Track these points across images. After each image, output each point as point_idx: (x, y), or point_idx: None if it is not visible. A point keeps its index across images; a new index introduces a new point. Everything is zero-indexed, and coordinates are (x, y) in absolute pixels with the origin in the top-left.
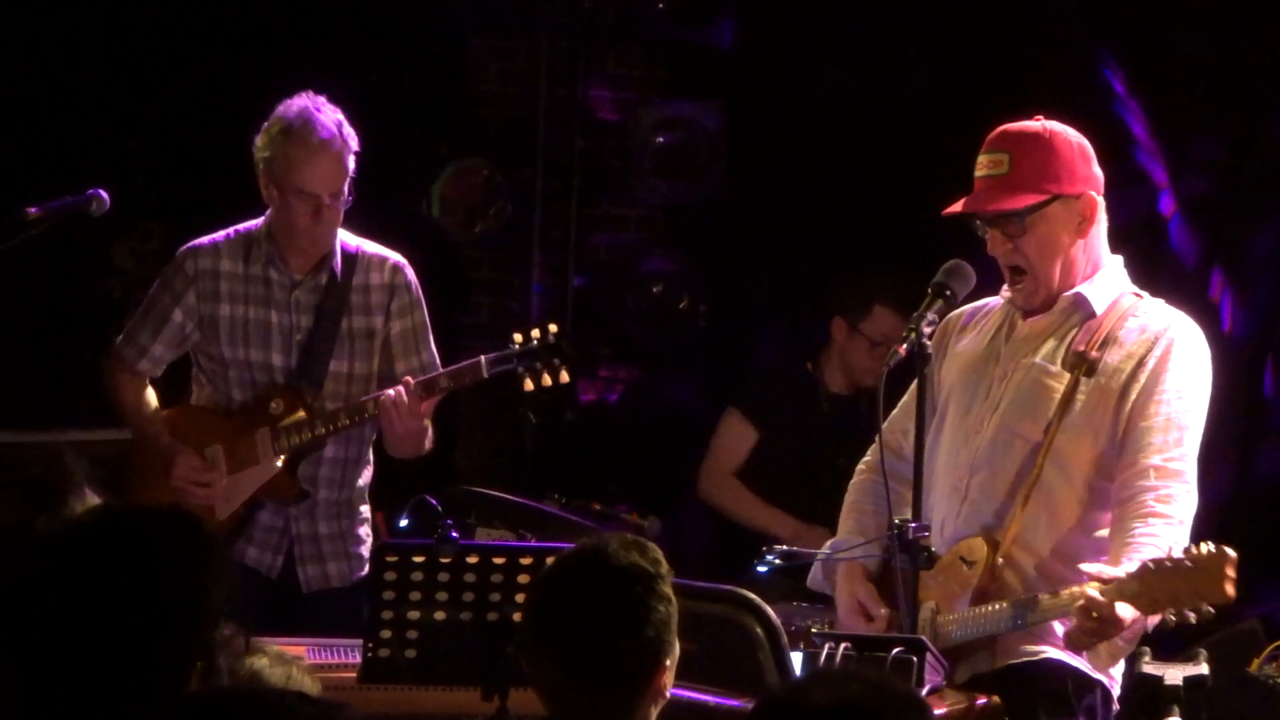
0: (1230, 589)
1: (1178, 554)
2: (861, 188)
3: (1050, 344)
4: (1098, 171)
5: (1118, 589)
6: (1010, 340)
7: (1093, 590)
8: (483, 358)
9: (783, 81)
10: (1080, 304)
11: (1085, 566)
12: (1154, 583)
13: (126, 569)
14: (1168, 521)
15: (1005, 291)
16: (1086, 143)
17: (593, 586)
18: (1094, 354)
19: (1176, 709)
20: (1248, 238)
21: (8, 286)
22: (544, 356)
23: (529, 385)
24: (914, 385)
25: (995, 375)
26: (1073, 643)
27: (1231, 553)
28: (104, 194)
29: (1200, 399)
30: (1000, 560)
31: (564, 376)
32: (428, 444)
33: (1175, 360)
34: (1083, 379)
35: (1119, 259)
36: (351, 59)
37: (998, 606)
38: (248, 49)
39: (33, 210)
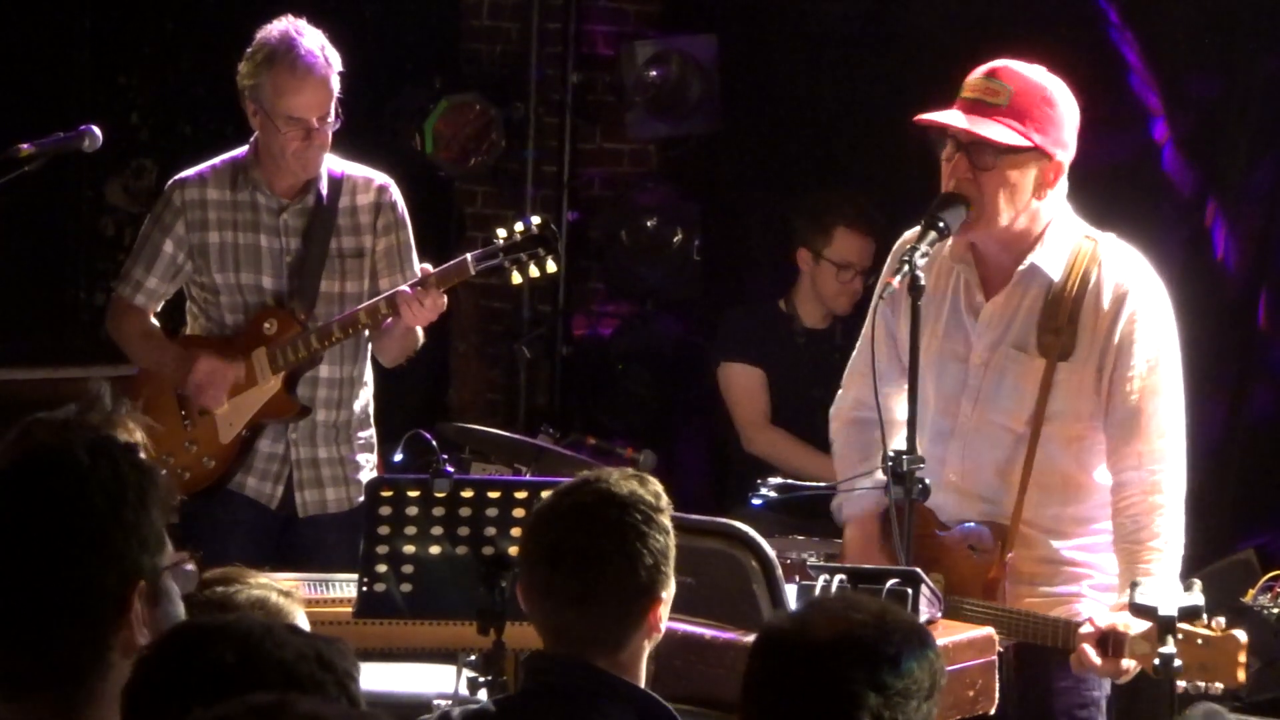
0: (1241, 675)
1: (1190, 626)
2: (855, 122)
3: (1019, 325)
4: (1074, 142)
5: (1129, 646)
6: (978, 322)
7: (1093, 655)
8: (468, 255)
9: (776, 15)
10: (1035, 274)
11: (1088, 616)
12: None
13: (48, 487)
14: (1164, 515)
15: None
16: (1075, 107)
17: (592, 513)
18: (1064, 332)
19: (1171, 639)
20: (1242, 170)
21: (0, 224)
22: (529, 248)
23: (516, 279)
24: (862, 339)
25: (972, 361)
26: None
27: (1244, 638)
28: (96, 130)
29: (1172, 359)
30: (1010, 554)
31: (550, 266)
32: (420, 341)
33: (1141, 328)
34: (1059, 364)
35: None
36: None
37: (1018, 614)
38: None
39: (25, 147)
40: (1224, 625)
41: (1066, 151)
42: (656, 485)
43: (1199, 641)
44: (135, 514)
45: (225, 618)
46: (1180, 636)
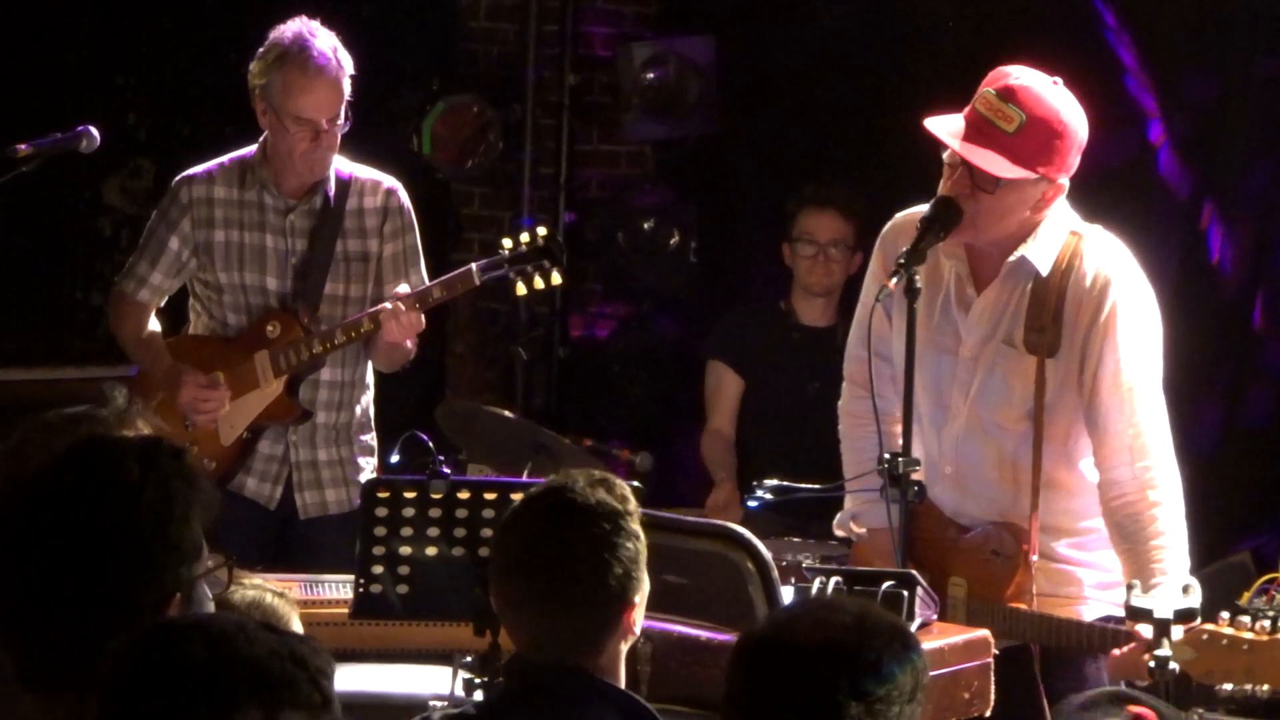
0: None
1: (1233, 630)
2: (853, 122)
3: (1007, 320)
4: (1078, 161)
5: (1175, 649)
6: (968, 316)
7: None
8: (473, 265)
9: (774, 16)
10: (1024, 267)
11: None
12: (1209, 654)
13: (98, 498)
14: (1163, 510)
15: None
16: (1085, 129)
17: (559, 524)
18: (1049, 330)
19: (1167, 641)
20: (1239, 172)
21: None
22: (534, 259)
23: (521, 290)
24: (855, 324)
25: (961, 355)
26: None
27: None
28: (94, 130)
29: (1154, 352)
30: (1034, 557)
31: (555, 278)
32: (412, 352)
33: (1123, 319)
34: (1048, 361)
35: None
36: None
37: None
38: None
39: (22, 147)
40: (1268, 629)
41: (1068, 174)
42: (624, 488)
43: (1244, 647)
44: (179, 529)
45: (198, 615)
46: (1225, 642)
